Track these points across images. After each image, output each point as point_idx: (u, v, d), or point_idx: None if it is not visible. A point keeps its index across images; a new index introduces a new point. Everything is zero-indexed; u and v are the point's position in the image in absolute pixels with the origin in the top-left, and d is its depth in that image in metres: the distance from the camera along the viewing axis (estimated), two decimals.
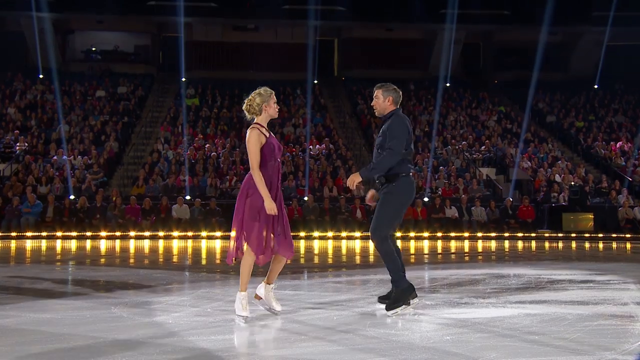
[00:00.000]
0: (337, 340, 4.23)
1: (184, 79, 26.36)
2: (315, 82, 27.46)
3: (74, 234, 16.37)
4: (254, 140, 4.87)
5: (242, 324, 4.72)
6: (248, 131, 4.96)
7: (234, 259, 5.00)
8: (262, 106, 5.00)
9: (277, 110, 5.07)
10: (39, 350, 3.91)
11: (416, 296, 5.12)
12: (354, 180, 5.03)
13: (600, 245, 15.55)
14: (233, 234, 4.95)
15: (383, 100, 5.22)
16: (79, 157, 20.46)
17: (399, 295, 5.04)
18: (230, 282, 7.39)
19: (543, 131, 25.87)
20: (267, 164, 4.89)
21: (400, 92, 5.29)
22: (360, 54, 30.35)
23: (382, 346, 4.06)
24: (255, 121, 5.03)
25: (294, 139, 23.17)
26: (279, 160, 4.98)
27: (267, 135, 4.96)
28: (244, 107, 5.11)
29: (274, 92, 5.09)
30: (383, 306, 5.14)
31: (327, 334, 4.44)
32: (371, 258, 11.00)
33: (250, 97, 5.05)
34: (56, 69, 24.55)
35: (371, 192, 5.34)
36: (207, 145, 22.05)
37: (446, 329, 4.55)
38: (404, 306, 5.04)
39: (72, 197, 17.92)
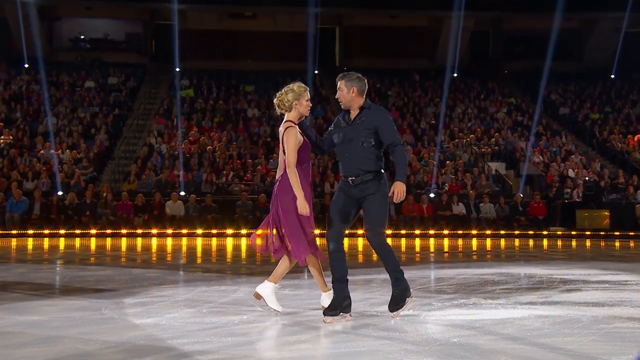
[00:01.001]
0: (338, 342, 4.24)
1: (178, 69, 26.32)
2: (316, 72, 27.43)
3: (62, 232, 16.37)
4: (294, 139, 4.90)
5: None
6: (284, 129, 4.97)
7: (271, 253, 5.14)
8: (292, 103, 5.02)
9: (309, 108, 5.06)
10: (25, 354, 3.91)
11: (410, 295, 5.10)
12: (403, 190, 4.89)
13: (617, 243, 15.56)
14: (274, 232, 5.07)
15: (347, 92, 5.08)
16: (67, 151, 20.46)
17: (401, 295, 5.03)
18: (227, 281, 7.40)
19: (556, 124, 25.85)
20: (302, 165, 4.98)
21: (365, 81, 5.15)
22: (363, 43, 30.31)
23: (386, 349, 4.06)
24: (287, 118, 5.04)
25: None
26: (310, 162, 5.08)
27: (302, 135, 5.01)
28: (274, 101, 5.11)
29: (308, 89, 5.08)
30: (385, 307, 5.14)
31: (330, 335, 4.45)
32: (374, 257, 11.00)
33: (282, 91, 5.06)
34: (42, 58, 24.49)
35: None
36: (203, 138, 22.04)
37: (453, 331, 4.55)
38: (407, 306, 5.04)
39: (60, 193, 17.92)
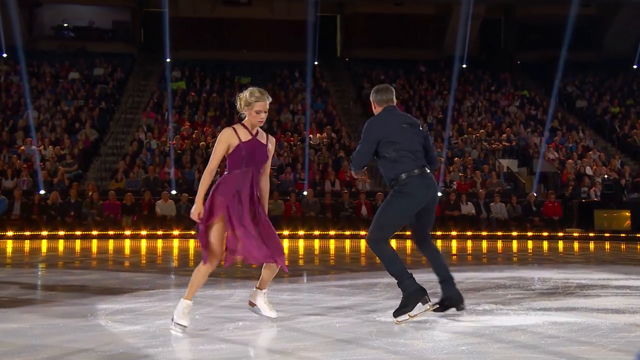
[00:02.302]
0: (339, 350, 4.24)
1: (168, 60, 26.33)
2: (316, 63, 27.44)
3: (45, 233, 16.39)
4: (219, 143, 4.94)
5: (179, 333, 4.74)
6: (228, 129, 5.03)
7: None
8: (243, 109, 5.04)
9: (259, 121, 4.99)
10: None
11: (427, 301, 5.13)
12: None
13: (639, 246, 15.55)
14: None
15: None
16: (49, 147, 20.47)
17: (406, 300, 5.07)
18: (221, 285, 7.41)
19: (572, 118, 25.86)
20: (233, 171, 4.95)
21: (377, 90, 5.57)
22: (365, 32, 30.30)
23: (390, 357, 4.07)
24: (245, 123, 5.07)
25: (291, 127, 23.17)
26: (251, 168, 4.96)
27: (244, 139, 4.96)
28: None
29: (264, 101, 5.00)
30: (391, 312, 5.16)
31: (327, 344, 4.45)
32: (378, 259, 11.00)
33: (242, 93, 5.09)
34: (22, 47, 24.41)
35: None
36: (195, 133, 22.05)
37: (461, 339, 4.56)
38: (416, 311, 5.06)
39: (42, 192, 17.93)
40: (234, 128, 5.02)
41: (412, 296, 5.07)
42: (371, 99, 5.54)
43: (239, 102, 5.08)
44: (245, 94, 5.04)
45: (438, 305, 5.33)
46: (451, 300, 5.34)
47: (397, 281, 5.17)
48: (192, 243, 15.39)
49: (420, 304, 5.12)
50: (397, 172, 5.25)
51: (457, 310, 5.36)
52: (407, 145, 5.27)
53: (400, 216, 5.26)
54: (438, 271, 5.38)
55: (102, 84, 25.37)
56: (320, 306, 5.88)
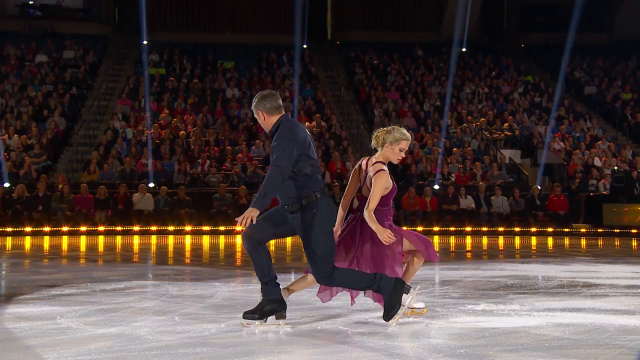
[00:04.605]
0: (330, 352, 4.25)
1: (145, 42, 26.15)
2: (305, 47, 27.36)
3: (9, 229, 16.30)
4: (382, 183, 5.28)
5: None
6: (374, 171, 5.30)
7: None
8: (387, 144, 5.39)
9: (398, 158, 5.44)
10: None
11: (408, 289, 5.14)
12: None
13: None
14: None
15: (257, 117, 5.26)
16: (15, 136, 20.34)
17: (389, 299, 5.03)
18: (202, 285, 7.41)
19: (580, 105, 25.95)
20: (384, 207, 5.37)
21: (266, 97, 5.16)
22: (358, 13, 30.27)
23: None
24: (376, 158, 5.40)
25: None
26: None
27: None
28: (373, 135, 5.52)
29: (409, 141, 5.45)
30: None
31: (319, 345, 4.47)
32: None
33: (384, 129, 5.47)
34: None
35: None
36: (175, 122, 21.97)
37: (459, 341, 4.58)
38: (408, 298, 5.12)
39: (6, 185, 17.83)
40: (384, 167, 5.36)
41: (393, 294, 5.07)
42: (259, 108, 5.10)
43: (378, 138, 5.43)
44: (392, 132, 5.40)
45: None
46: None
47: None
48: (170, 239, 15.37)
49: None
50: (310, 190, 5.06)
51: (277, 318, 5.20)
52: (316, 161, 5.15)
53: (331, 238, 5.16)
54: (272, 272, 5.16)
55: (72, 68, 25.20)
56: (311, 307, 5.88)
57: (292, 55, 25.75)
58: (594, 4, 28.18)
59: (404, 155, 5.49)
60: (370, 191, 5.26)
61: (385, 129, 5.46)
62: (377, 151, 5.45)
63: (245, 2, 29.90)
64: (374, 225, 5.19)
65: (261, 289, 5.09)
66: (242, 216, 4.77)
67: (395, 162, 5.45)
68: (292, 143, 4.94)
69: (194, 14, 30.08)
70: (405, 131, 5.44)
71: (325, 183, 5.08)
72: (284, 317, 5.10)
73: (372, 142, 5.47)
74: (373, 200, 5.24)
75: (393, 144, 5.35)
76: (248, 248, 5.07)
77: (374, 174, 5.27)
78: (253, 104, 5.18)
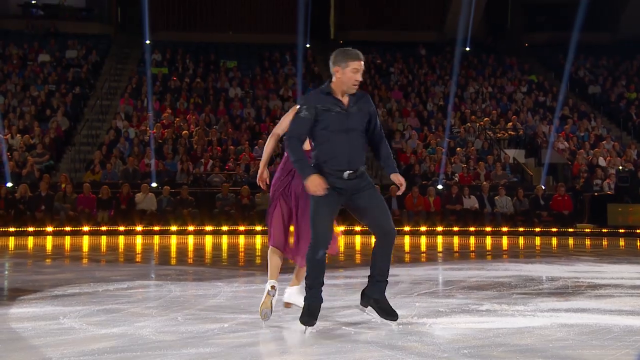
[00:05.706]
0: (333, 353, 4.25)
1: (148, 42, 26.17)
2: (308, 46, 27.38)
3: (12, 229, 16.32)
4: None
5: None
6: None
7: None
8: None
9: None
10: None
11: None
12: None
13: None
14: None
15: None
16: (17, 135, 20.37)
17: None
18: (205, 285, 7.41)
19: (584, 104, 25.92)
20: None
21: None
22: (361, 12, 30.27)
23: None
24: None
25: (281, 115, 23.07)
26: None
27: None
28: None
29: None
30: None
31: (320, 346, 4.46)
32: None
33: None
34: None
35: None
36: (177, 121, 21.99)
37: (463, 342, 4.58)
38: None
39: (9, 184, 17.85)
40: None
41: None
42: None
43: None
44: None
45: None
46: None
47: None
48: (173, 239, 15.38)
49: None
50: None
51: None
52: None
53: None
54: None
55: (75, 68, 25.24)
56: None
57: (295, 54, 25.74)
58: (598, 3, 28.08)
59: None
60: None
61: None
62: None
63: (248, 1, 29.92)
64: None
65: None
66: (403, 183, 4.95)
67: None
68: None
69: (196, 13, 30.11)
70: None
71: None
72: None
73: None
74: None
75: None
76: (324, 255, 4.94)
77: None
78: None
